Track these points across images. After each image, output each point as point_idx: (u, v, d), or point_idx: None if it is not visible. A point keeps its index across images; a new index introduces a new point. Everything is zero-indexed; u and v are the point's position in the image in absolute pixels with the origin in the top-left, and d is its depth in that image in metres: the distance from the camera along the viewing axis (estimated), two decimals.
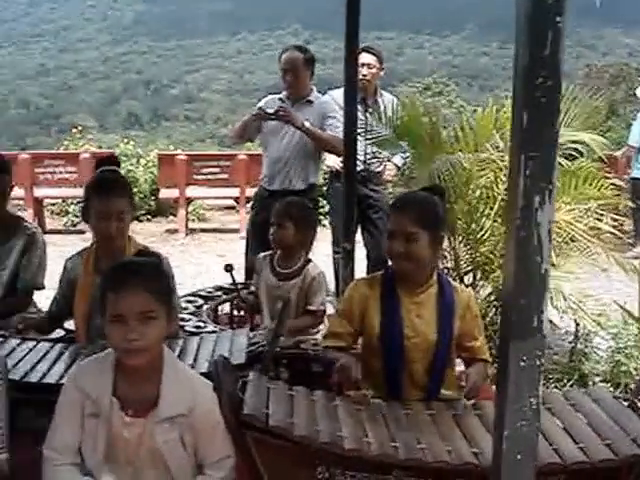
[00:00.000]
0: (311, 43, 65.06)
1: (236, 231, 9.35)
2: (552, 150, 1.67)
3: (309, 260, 3.83)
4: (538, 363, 1.74)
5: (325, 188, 6.60)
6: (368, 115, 5.52)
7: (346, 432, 2.41)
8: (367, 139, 5.44)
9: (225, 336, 3.34)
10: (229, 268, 4.01)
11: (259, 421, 2.36)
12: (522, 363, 1.73)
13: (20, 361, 2.97)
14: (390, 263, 2.95)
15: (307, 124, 5.12)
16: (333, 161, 5.77)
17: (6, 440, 2.41)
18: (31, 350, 3.14)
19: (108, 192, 3.39)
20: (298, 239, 3.80)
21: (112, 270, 2.45)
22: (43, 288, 4.09)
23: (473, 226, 4.59)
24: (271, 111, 5.13)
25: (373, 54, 5.77)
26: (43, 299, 3.97)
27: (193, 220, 10.36)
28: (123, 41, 66.93)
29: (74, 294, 3.47)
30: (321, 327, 3.70)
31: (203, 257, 8.36)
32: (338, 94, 5.69)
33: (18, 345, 3.19)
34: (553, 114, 1.66)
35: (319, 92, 5.52)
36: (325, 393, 2.72)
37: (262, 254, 3.99)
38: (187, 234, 9.48)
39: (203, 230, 9.95)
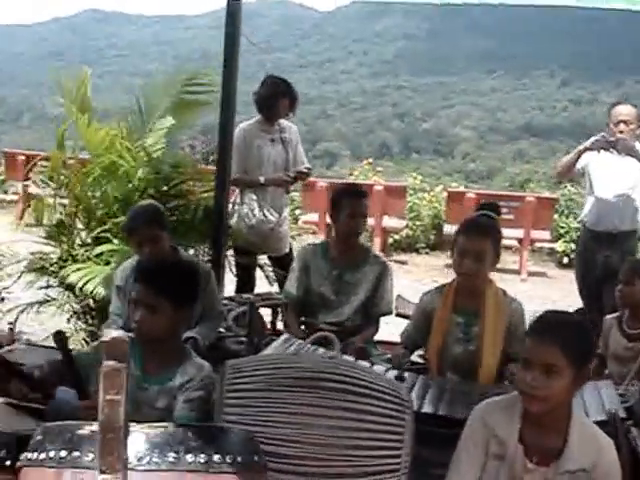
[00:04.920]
0: (568, 85, 63.11)
1: (516, 272, 9.24)
2: None
3: None
4: None
5: None
6: None
7: None
8: None
9: (590, 385, 3.27)
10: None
11: None
12: None
13: None
14: None
15: None
16: None
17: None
18: None
19: (472, 232, 3.51)
20: None
21: (539, 316, 2.51)
22: (391, 314, 4.31)
23: None
24: (612, 139, 5.04)
25: None
26: None
27: None
28: (382, 75, 68.79)
29: (428, 327, 3.61)
30: None
31: None
32: None
33: None
34: None
35: None
36: None
37: (610, 316, 3.91)
38: None
39: None
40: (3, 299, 5.77)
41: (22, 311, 5.39)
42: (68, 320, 5.60)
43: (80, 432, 1.69)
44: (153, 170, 5.55)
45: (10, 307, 5.52)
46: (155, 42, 75.45)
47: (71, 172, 5.58)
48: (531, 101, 62.68)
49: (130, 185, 5.47)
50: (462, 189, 11.62)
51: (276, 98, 5.58)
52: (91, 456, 1.64)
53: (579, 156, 5.29)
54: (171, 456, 1.65)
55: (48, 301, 5.52)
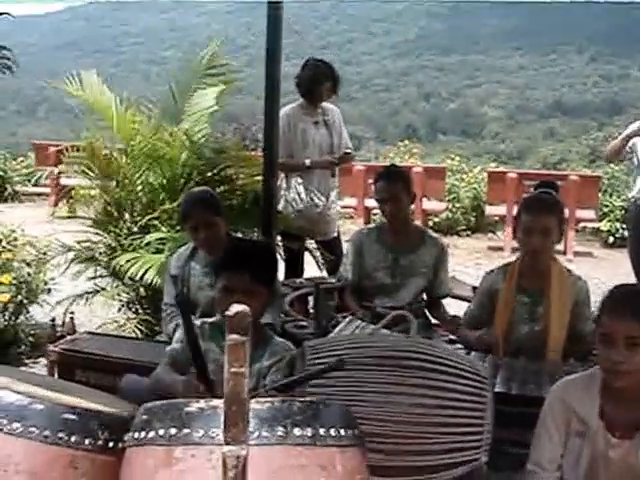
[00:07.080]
0: (596, 60, 62.19)
1: (562, 253, 9.09)
2: None
3: None
4: None
5: None
6: None
7: None
8: None
9: None
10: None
11: None
12: None
13: None
14: None
15: None
16: None
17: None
18: None
19: (536, 209, 3.51)
20: None
21: (614, 292, 2.50)
22: (449, 296, 4.31)
23: None
24: None
25: None
26: None
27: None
28: (405, 55, 68.26)
29: (492, 307, 3.60)
30: None
31: None
32: None
33: None
34: None
35: None
36: None
37: None
38: (512, 252, 9.41)
39: None
40: (50, 290, 5.80)
41: (72, 302, 5.43)
42: (119, 310, 5.63)
43: (188, 409, 1.70)
44: (195, 155, 5.56)
45: (59, 299, 5.54)
46: (171, 28, 75.07)
47: (109, 161, 5.60)
48: (560, 78, 61.94)
49: (174, 171, 5.49)
50: (503, 169, 11.53)
51: (318, 81, 5.58)
52: (202, 432, 1.65)
53: (627, 141, 5.33)
54: (280, 430, 1.66)
55: (98, 291, 5.55)
